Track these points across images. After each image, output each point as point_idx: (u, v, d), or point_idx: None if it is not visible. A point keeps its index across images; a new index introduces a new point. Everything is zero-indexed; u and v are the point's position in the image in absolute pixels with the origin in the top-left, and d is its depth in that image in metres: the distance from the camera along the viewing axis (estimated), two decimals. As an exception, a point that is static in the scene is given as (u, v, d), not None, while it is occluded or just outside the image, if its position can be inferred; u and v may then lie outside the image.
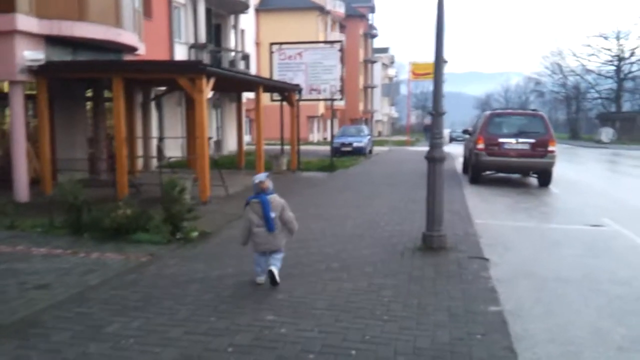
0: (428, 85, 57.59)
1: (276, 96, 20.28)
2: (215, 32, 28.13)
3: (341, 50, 20.17)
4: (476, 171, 15.77)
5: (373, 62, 77.63)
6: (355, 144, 29.72)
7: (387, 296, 5.13)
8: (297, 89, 19.11)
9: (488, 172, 16.15)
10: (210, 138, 13.80)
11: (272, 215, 5.39)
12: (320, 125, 58.37)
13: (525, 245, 7.91)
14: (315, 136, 57.54)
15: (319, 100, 20.53)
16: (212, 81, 12.48)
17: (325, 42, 19.96)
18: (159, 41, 19.82)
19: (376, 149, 35.15)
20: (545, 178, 15.21)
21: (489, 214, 10.66)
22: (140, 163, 18.82)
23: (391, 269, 6.05)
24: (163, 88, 18.92)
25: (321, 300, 4.98)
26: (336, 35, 63.38)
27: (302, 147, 33.99)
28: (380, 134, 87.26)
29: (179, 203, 7.27)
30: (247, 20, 30.89)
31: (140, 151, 18.54)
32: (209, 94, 12.49)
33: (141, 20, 17.10)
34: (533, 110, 16.74)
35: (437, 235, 6.92)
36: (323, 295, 5.15)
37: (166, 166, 17.79)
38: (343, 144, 29.78)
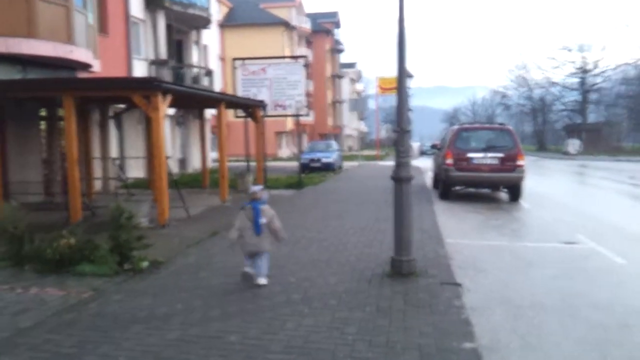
0: (394, 99, 57.63)
1: (240, 112, 19.74)
2: (177, 48, 27.54)
3: (306, 65, 19.83)
4: (446, 186, 15.48)
5: (340, 77, 77.84)
6: (324, 160, 29.31)
7: (351, 333, 4.62)
8: (261, 104, 18.61)
9: (458, 187, 15.88)
10: (168, 157, 13.18)
11: (262, 221, 6.16)
12: (288, 140, 57.94)
13: (498, 267, 7.52)
14: (284, 152, 57.06)
15: (284, 116, 20.10)
16: (168, 98, 11.92)
17: (290, 57, 19.59)
18: (116, 58, 19.15)
19: (346, 164, 34.82)
20: (515, 192, 14.99)
21: (459, 232, 10.29)
22: (98, 184, 18.05)
23: (357, 300, 5.56)
24: (122, 106, 18.24)
25: (277, 342, 4.45)
26: (303, 50, 63.19)
27: (271, 164, 33.67)
28: (350, 148, 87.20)
29: (126, 231, 6.66)
30: (209, 36, 30.35)
31: (98, 172, 17.78)
32: (165, 111, 11.90)
33: (95, 36, 16.45)
34: (500, 124, 16.62)
35: (406, 260, 6.46)
36: (280, 334, 4.62)
37: (125, 187, 17.08)
38: (312, 160, 29.35)
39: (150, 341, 4.50)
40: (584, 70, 64.86)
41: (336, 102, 75.08)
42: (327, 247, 8.36)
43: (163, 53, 24.07)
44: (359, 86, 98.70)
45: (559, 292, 6.29)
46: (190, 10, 24.89)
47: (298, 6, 62.39)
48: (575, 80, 65.99)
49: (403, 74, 6.50)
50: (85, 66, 14.61)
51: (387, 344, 4.41)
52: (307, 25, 63.73)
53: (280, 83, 19.72)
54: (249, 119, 18.93)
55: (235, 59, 20.45)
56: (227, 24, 52.22)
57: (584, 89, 64.95)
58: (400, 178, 6.37)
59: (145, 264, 6.89)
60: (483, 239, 9.63)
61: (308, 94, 61.53)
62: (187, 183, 20.41)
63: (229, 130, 49.29)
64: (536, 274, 7.18)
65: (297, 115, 19.70)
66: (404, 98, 6.39)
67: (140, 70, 21.70)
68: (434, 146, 18.28)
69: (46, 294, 5.91)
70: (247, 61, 20.29)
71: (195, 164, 29.10)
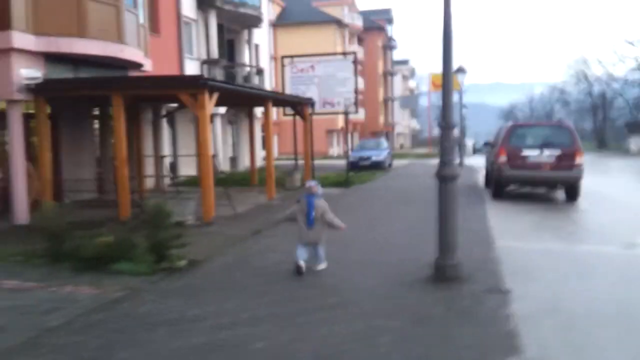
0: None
1: (289, 110, 19.69)
2: (229, 48, 27.77)
3: (355, 62, 19.52)
4: (498, 185, 14.86)
5: (393, 74, 76.91)
6: (374, 158, 28.96)
7: (386, 344, 4.34)
8: (309, 102, 18.47)
9: (511, 187, 15.24)
10: (214, 156, 13.21)
11: (313, 214, 6.64)
12: (339, 138, 57.70)
13: (551, 273, 7.04)
14: (335, 150, 56.88)
15: (333, 113, 19.89)
16: (215, 96, 11.90)
17: (338, 53, 19.33)
18: (167, 57, 19.42)
19: (396, 162, 34.30)
20: (572, 192, 14.24)
21: (511, 234, 9.79)
22: (151, 182, 18.35)
23: (396, 306, 5.27)
24: (174, 105, 18.48)
25: (305, 351, 4.22)
26: (354, 48, 62.85)
27: (321, 162, 33.49)
28: (402, 146, 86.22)
29: (163, 229, 6.60)
30: (261, 35, 30.48)
31: (151, 170, 18.05)
32: (211, 109, 11.90)
33: (146, 35, 16.67)
34: (558, 120, 15.83)
35: (450, 265, 6.11)
36: (310, 342, 4.39)
37: (175, 185, 17.30)
38: (361, 158, 29.05)
39: (176, 345, 4.36)
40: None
41: (388, 100, 74.24)
42: (370, 248, 8.08)
43: (215, 52, 24.29)
44: (412, 83, 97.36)
45: (617, 301, 5.79)
46: (242, 9, 25.00)
47: (350, 3, 62.03)
48: (638, 75, 62.81)
49: (449, 65, 6.13)
50: (137, 65, 14.81)
51: (423, 357, 4.10)
52: (359, 23, 63.29)
53: (329, 80, 19.50)
54: (298, 118, 18.86)
55: (284, 57, 20.38)
56: (280, 23, 52.39)
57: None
58: (445, 176, 6.02)
59: (182, 263, 6.81)
60: (536, 242, 9.11)
61: (358, 92, 61.04)
62: (236, 181, 20.51)
63: (280, 128, 50.05)
64: (592, 281, 6.67)
65: (346, 113, 19.43)
66: (449, 91, 6.04)
67: (192, 69, 21.96)
68: (487, 143, 17.62)
69: (80, 292, 5.90)
70: (295, 59, 20.17)
71: (246, 162, 29.27)
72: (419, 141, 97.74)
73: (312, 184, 6.92)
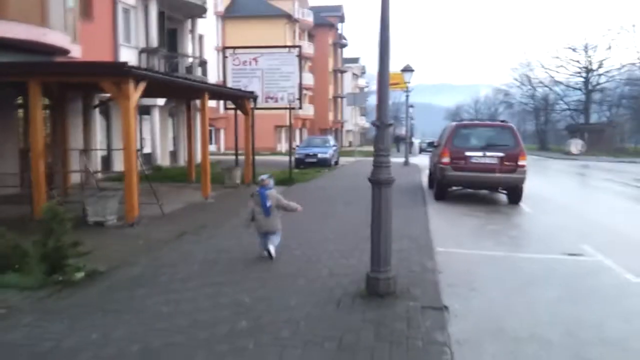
0: (399, 96, 56.68)
1: (231, 104, 18.76)
2: (171, 37, 26.54)
3: (299, 55, 18.76)
4: (441, 187, 14.46)
5: (343, 71, 76.69)
6: (320, 155, 28.40)
7: (300, 382, 3.64)
8: (250, 96, 17.62)
9: (454, 188, 14.87)
10: (138, 150, 12.23)
11: (268, 204, 7.17)
12: (288, 134, 56.84)
13: (493, 285, 6.52)
14: (284, 146, 56.04)
15: (276, 108, 19.10)
16: (141, 86, 10.94)
17: (283, 46, 18.53)
18: (100, 44, 18.15)
19: (343, 159, 33.83)
20: (515, 195, 13.98)
21: (453, 239, 9.29)
22: (79, 178, 17.10)
23: (318, 331, 4.55)
24: (108, 94, 17.27)
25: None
26: (304, 44, 62.20)
27: (267, 158, 32.63)
28: (350, 144, 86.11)
29: (57, 236, 5.67)
30: (206, 26, 29.34)
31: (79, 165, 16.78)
32: (136, 100, 10.92)
33: (75, 20, 15.44)
34: (502, 121, 15.60)
35: (383, 278, 5.46)
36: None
37: (110, 180, 16.16)
38: (307, 155, 28.45)
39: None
40: (588, 70, 63.62)
41: (338, 97, 73.92)
42: (298, 257, 7.35)
43: (154, 41, 23.07)
44: (362, 81, 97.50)
45: (563, 320, 5.30)
46: (184, -3, 23.87)
47: (301, -1, 61.32)
48: (579, 79, 64.77)
49: (385, 61, 5.47)
50: (63, 51, 13.61)
51: (343, 398, 3.42)
52: (309, 18, 62.60)
53: (273, 74, 18.67)
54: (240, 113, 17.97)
55: (225, 48, 19.44)
56: (229, 15, 51.13)
57: (588, 88, 63.72)
58: (379, 181, 5.36)
59: (79, 275, 5.90)
60: (479, 248, 8.63)
61: (304, 87, 60.65)
62: (173, 177, 19.49)
63: (228, 123, 48.90)
64: (537, 294, 6.18)
65: (290, 108, 18.67)
66: (384, 87, 5.38)
67: (128, 58, 20.60)
68: (430, 144, 17.23)
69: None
70: (238, 50, 19.23)
71: (197, 156, 28.17)
72: (368, 139, 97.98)
73: (264, 177, 7.43)
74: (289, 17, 55.65)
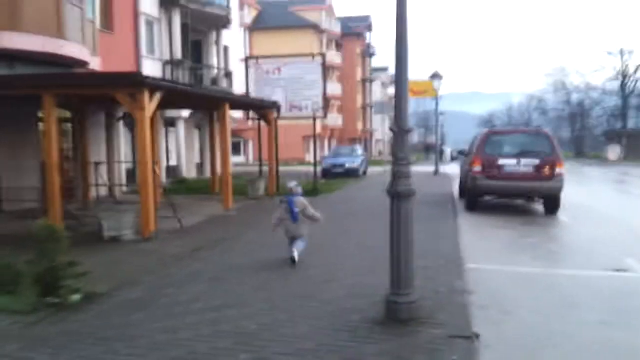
0: (430, 104, 55.83)
1: (255, 115, 18.42)
2: (196, 49, 26.46)
3: (324, 64, 18.33)
4: (473, 197, 13.74)
5: (371, 81, 76.10)
6: (347, 165, 27.83)
7: None
8: (273, 106, 17.22)
9: (487, 198, 14.14)
10: (155, 162, 11.89)
11: (296, 210, 7.55)
12: (317, 145, 56.41)
13: (530, 306, 5.85)
14: (312, 156, 55.62)
15: (300, 118, 18.66)
16: (157, 96, 10.62)
17: (306, 55, 18.19)
18: (122, 56, 18.01)
19: (372, 169, 33.19)
20: (552, 204, 13.17)
21: (485, 254, 8.63)
22: (104, 191, 16.96)
23: (328, 365, 4.00)
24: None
25: None
26: (332, 54, 61.94)
27: (294, 168, 32.17)
28: (380, 153, 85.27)
29: (48, 257, 5.26)
30: (231, 37, 29.17)
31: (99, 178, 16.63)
32: (152, 111, 10.59)
33: (95, 32, 15.34)
34: (537, 127, 14.82)
35: (404, 302, 4.87)
36: None
37: (134, 194, 15.93)
38: (334, 165, 27.91)
39: None
40: (624, 75, 61.76)
41: (366, 107, 73.32)
42: (315, 276, 6.81)
43: (179, 53, 22.95)
44: (391, 90, 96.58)
45: (611, 350, 4.63)
46: (208, 9, 23.73)
47: (328, 9, 61.14)
48: (616, 84, 62.87)
49: (403, 59, 4.92)
50: (82, 64, 13.44)
51: None
52: (337, 29, 62.38)
53: (296, 83, 18.28)
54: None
55: (248, 58, 19.16)
56: (256, 27, 51.19)
57: (625, 93, 61.76)
58: (398, 193, 4.79)
59: (76, 298, 5.46)
60: (514, 264, 7.94)
61: (332, 97, 60.36)
62: (198, 189, 19.24)
63: (255, 134, 48.62)
64: (580, 317, 5.50)
65: (313, 117, 18.21)
66: (402, 88, 4.83)
67: (152, 70, 20.54)
68: (461, 152, 16.51)
69: None
70: (261, 60, 18.95)
71: (215, 168, 27.97)
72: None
73: (292, 185, 7.80)
74: (316, 28, 55.49)
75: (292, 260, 7.36)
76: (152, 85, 10.42)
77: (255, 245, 9.06)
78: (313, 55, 18.54)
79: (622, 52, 61.43)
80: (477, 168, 13.02)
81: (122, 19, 18.43)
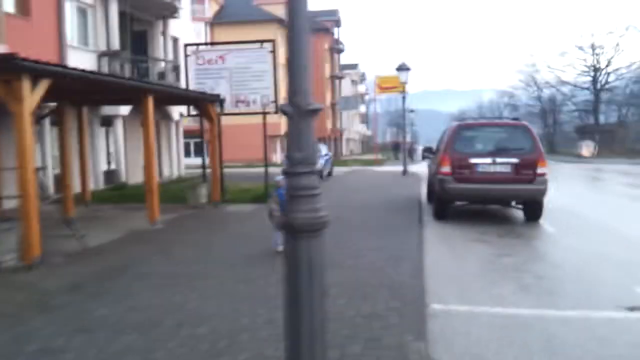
0: (400, 102, 54.06)
1: (194, 111, 16.14)
2: (140, 40, 24.02)
3: (273, 51, 16.13)
4: (441, 203, 11.70)
5: (340, 77, 74.06)
6: (309, 166, 25.65)
7: None
8: (214, 99, 14.95)
9: (458, 203, 12.15)
10: (40, 169, 9.61)
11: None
12: (284, 145, 54.28)
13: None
14: (279, 157, 53.42)
15: (247, 114, 16.42)
16: (43, 85, 8.36)
17: (254, 41, 15.95)
18: (41, 45, 15.47)
19: (340, 169, 31.15)
20: (534, 210, 11.24)
21: (455, 283, 6.56)
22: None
23: None
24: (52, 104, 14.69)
25: None
26: (299, 49, 59.65)
27: (251, 170, 29.87)
28: (352, 152, 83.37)
29: None
30: (180, 27, 26.73)
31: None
32: (34, 103, 8.29)
33: (0, 16, 12.96)
34: (514, 119, 12.90)
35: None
36: None
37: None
38: (295, 166, 25.71)
39: None
40: (596, 69, 60.93)
41: (335, 104, 71.31)
42: (201, 337, 4.65)
43: (116, 44, 20.51)
44: (361, 88, 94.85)
45: None
46: (150, -5, 21.32)
47: (293, 2, 58.88)
48: (587, 79, 62.06)
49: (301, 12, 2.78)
50: (-27, 50, 11.05)
51: None
52: (303, 23, 60.07)
53: (243, 74, 16.05)
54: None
55: (187, 45, 16.84)
56: (218, 21, 48.97)
57: (596, 88, 60.94)
58: (293, 227, 2.64)
59: None
60: (493, 300, 5.87)
61: (275, 87, 57.65)
62: (136, 196, 16.81)
63: (233, 133, 47.12)
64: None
65: (263, 113, 16.00)
66: (300, 48, 2.70)
67: (84, 62, 18.01)
68: (428, 149, 14.44)
69: None
70: (201, 47, 16.68)
71: (165, 171, 25.62)
72: (371, 147, 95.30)
73: (279, 178, 7.85)
74: (280, 22, 53.16)
75: (278, 252, 7.54)
76: (34, 70, 8.14)
77: (162, 278, 6.83)
78: (261, 42, 16.31)
79: (593, 47, 60.55)
80: (445, 168, 10.99)
81: (41, 3, 15.93)
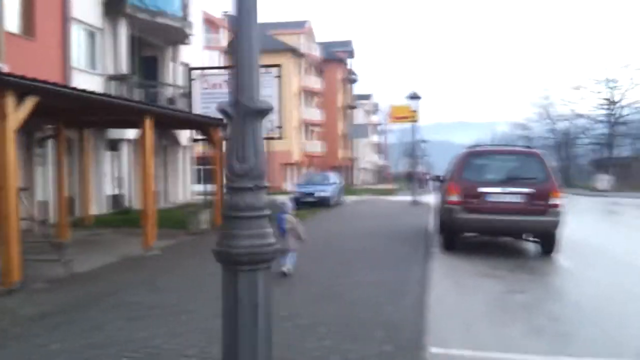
0: (414, 133, 53.62)
1: (199, 135, 15.78)
2: (150, 65, 23.97)
3: (279, 76, 15.79)
4: (450, 234, 11.07)
5: (353, 107, 74.03)
6: (318, 194, 25.15)
7: None
8: (218, 123, 14.57)
9: (469, 234, 11.50)
10: (23, 189, 9.18)
11: (285, 226, 8.05)
12: (295, 173, 53.96)
13: None
14: (289, 185, 53.06)
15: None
16: (29, 102, 8.01)
17: (261, 66, 15.78)
18: (45, 66, 15.25)
19: (351, 198, 30.60)
20: (548, 243, 10.56)
21: (460, 323, 5.92)
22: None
23: None
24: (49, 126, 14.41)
25: None
26: (312, 79, 59.91)
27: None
28: (365, 182, 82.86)
29: None
30: (191, 53, 26.60)
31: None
32: (18, 120, 7.91)
33: (0, 35, 12.78)
34: (526, 147, 12.31)
35: None
36: None
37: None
38: (304, 194, 25.21)
39: None
40: (611, 102, 60.15)
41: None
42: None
43: (124, 67, 20.34)
44: (375, 118, 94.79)
45: None
46: (159, 19, 21.17)
47: (308, 33, 59.33)
48: (602, 112, 61.24)
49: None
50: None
51: None
52: (317, 53, 60.42)
53: (248, 98, 15.70)
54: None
55: (192, 69, 16.59)
56: (232, 50, 49.17)
57: (611, 121, 60.06)
58: (229, 259, 2.10)
59: None
60: (502, 344, 5.22)
61: (312, 123, 58.00)
62: (135, 221, 16.38)
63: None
64: None
65: (268, 138, 15.59)
66: (245, 26, 2.21)
67: (92, 86, 17.81)
68: (437, 178, 13.83)
69: None
70: (207, 71, 16.43)
71: (179, 196, 25.33)
72: (383, 177, 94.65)
73: (281, 201, 8.72)
74: (294, 52, 53.63)
75: (283, 273, 7.86)
76: (19, 86, 7.79)
77: (136, 310, 6.28)
78: (266, 66, 16.00)
79: (607, 81, 59.94)
80: (454, 197, 10.38)
81: (46, 25, 15.77)
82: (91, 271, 9.11)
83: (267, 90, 15.80)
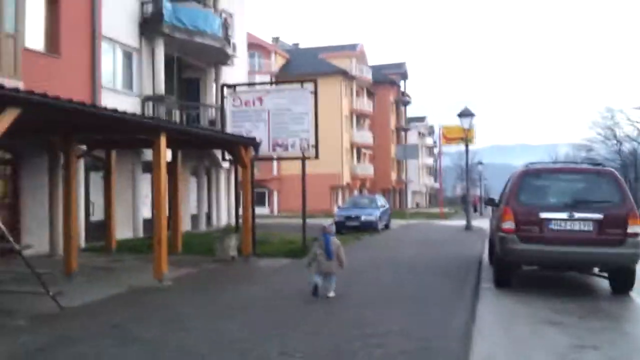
0: (471, 157, 51.38)
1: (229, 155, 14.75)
2: (193, 87, 23.51)
3: (315, 92, 14.57)
4: (503, 267, 9.36)
5: (406, 129, 72.35)
6: (363, 218, 23.62)
7: None
8: (248, 143, 13.49)
9: (527, 267, 9.78)
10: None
11: (332, 248, 8.09)
12: (345, 195, 52.62)
13: None
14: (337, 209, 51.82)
15: (284, 159, 14.82)
16: (9, 113, 7.11)
17: (294, 81, 14.60)
18: (71, 85, 14.57)
19: (399, 222, 28.92)
20: (623, 280, 8.76)
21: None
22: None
23: None
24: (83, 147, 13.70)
25: None
26: (363, 102, 58.93)
27: (311, 221, 28.12)
28: (417, 205, 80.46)
29: None
30: (235, 75, 25.83)
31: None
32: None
33: (17, 49, 12.16)
34: (597, 164, 10.56)
35: None
36: None
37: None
38: (348, 217, 23.73)
39: None
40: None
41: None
42: None
43: (162, 89, 19.70)
44: (429, 140, 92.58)
45: None
46: (198, 39, 20.51)
47: (359, 55, 58.56)
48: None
49: None
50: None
51: None
52: (368, 75, 59.48)
53: (281, 116, 14.53)
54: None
55: (224, 85, 15.63)
56: (283, 75, 49.18)
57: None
58: None
59: None
60: None
61: (363, 146, 56.69)
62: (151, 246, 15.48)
63: (281, 183, 46.17)
64: None
65: (302, 158, 14.34)
66: None
67: (127, 106, 17.11)
68: (490, 202, 12.14)
69: None
70: (239, 88, 15.39)
71: (223, 219, 24.49)
72: (438, 200, 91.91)
73: (327, 224, 8.53)
74: (345, 74, 52.91)
75: (315, 291, 8.00)
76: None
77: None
78: (301, 82, 14.83)
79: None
80: (508, 225, 8.73)
81: (73, 43, 15.17)
82: (84, 305, 8.05)
83: (302, 107, 14.63)
